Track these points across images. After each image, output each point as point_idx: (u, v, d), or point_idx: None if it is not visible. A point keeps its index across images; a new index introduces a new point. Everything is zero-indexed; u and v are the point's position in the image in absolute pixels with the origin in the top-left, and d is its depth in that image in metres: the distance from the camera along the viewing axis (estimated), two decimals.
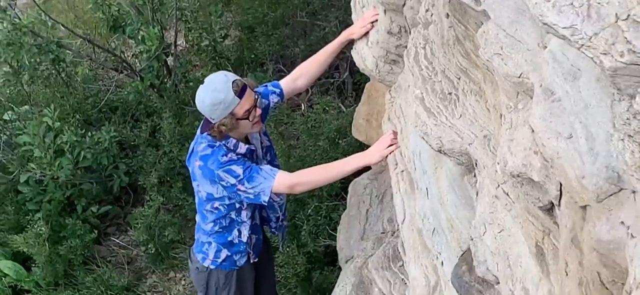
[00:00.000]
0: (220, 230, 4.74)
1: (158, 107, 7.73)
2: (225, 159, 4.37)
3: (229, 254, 4.83)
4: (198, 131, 4.56)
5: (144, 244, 7.04)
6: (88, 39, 8.50)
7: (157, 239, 6.94)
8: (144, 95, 7.84)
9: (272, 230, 5.10)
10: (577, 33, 1.68)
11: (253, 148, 4.56)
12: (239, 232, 4.75)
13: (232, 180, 4.34)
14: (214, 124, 4.34)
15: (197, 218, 4.87)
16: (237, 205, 4.62)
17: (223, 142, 4.40)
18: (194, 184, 4.63)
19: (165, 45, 7.57)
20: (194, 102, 7.53)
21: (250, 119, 4.39)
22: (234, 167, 4.35)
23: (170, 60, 7.98)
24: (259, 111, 4.42)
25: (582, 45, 1.66)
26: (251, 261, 4.92)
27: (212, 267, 4.90)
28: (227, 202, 4.57)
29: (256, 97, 4.44)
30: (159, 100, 7.73)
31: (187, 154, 4.67)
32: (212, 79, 4.38)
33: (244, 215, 4.69)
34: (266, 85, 4.91)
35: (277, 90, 4.88)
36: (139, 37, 7.40)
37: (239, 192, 4.38)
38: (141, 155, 7.46)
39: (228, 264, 4.89)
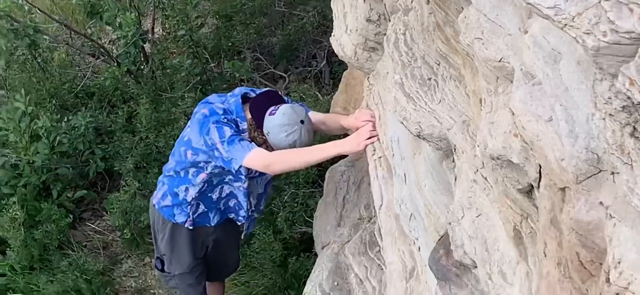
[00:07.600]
0: (174, 175, 4.86)
1: (135, 93, 7.70)
2: (224, 119, 4.54)
3: (170, 204, 4.97)
4: (234, 92, 4.78)
5: (120, 229, 7.04)
6: (65, 24, 8.45)
7: (133, 224, 6.93)
8: (121, 81, 7.78)
9: (239, 218, 5.11)
10: (560, 13, 1.70)
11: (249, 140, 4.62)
12: (186, 189, 4.85)
13: (216, 139, 4.48)
14: (260, 128, 4.56)
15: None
16: (201, 165, 4.70)
17: (239, 118, 4.60)
18: (188, 124, 4.80)
19: (142, 32, 7.53)
20: (171, 89, 7.63)
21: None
22: (225, 128, 4.51)
23: (147, 46, 7.95)
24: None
25: (565, 24, 1.68)
26: (187, 226, 5.02)
27: (156, 205, 5.08)
28: (198, 157, 4.66)
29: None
30: (135, 87, 7.69)
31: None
32: (299, 122, 4.52)
33: (200, 178, 4.78)
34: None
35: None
36: (116, 23, 7.36)
37: (215, 152, 4.51)
38: (117, 140, 7.43)
39: (166, 212, 5.04)
